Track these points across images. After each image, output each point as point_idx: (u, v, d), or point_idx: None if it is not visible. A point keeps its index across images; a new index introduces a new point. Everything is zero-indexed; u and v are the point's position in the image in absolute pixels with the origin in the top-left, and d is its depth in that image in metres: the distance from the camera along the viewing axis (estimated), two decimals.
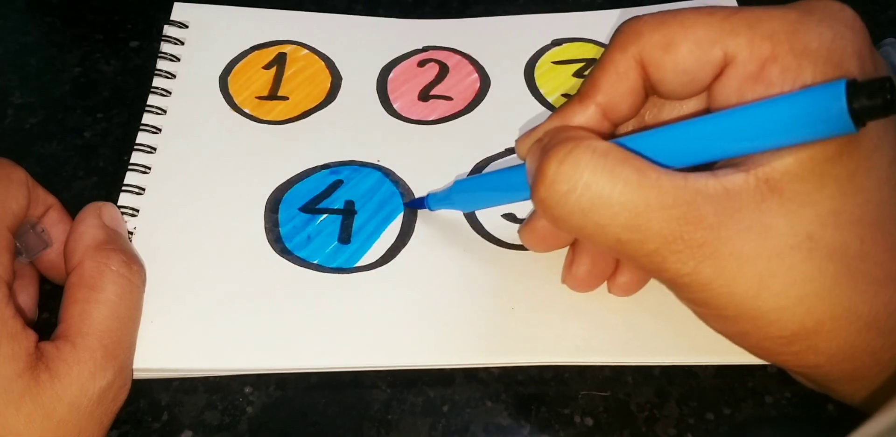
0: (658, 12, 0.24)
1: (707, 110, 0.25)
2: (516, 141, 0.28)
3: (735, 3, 0.39)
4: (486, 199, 0.31)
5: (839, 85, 0.19)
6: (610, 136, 0.25)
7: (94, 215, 0.29)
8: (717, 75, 0.23)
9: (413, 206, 0.32)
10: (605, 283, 0.29)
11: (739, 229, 0.21)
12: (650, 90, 0.25)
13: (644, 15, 0.24)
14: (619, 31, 0.24)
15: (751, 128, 0.21)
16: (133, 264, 0.28)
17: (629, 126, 0.27)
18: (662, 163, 0.22)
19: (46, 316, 0.30)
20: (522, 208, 0.32)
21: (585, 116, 0.25)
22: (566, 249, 0.30)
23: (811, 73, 0.21)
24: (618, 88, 0.24)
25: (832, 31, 0.22)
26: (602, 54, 0.25)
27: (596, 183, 0.21)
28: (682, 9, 0.23)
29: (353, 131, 0.35)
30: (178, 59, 0.37)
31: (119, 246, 0.28)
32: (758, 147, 0.21)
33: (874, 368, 0.23)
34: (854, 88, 0.19)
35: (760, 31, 0.22)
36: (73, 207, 0.33)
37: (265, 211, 0.32)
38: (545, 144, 0.23)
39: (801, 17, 0.22)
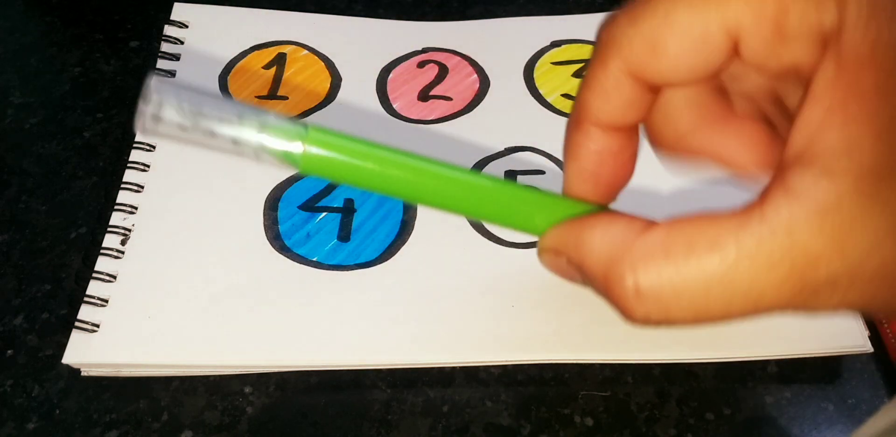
0: (631, 5, 0.19)
1: None
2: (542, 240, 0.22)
3: None
4: None
5: None
6: (635, 133, 0.22)
7: None
8: (733, 51, 0.19)
9: None
10: None
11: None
12: (657, 87, 0.21)
13: (617, 13, 0.20)
14: (597, 42, 0.20)
15: None
16: None
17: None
18: None
19: (46, 316, 0.30)
20: None
21: (594, 142, 0.22)
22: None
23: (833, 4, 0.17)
24: (612, 105, 0.21)
25: None
26: (585, 72, 0.21)
27: (687, 295, 0.18)
28: None
29: (352, 131, 0.35)
30: (178, 59, 0.37)
31: None
32: None
33: None
34: None
35: None
36: (72, 208, 0.33)
37: (264, 209, 0.32)
38: (602, 274, 0.19)
39: None
